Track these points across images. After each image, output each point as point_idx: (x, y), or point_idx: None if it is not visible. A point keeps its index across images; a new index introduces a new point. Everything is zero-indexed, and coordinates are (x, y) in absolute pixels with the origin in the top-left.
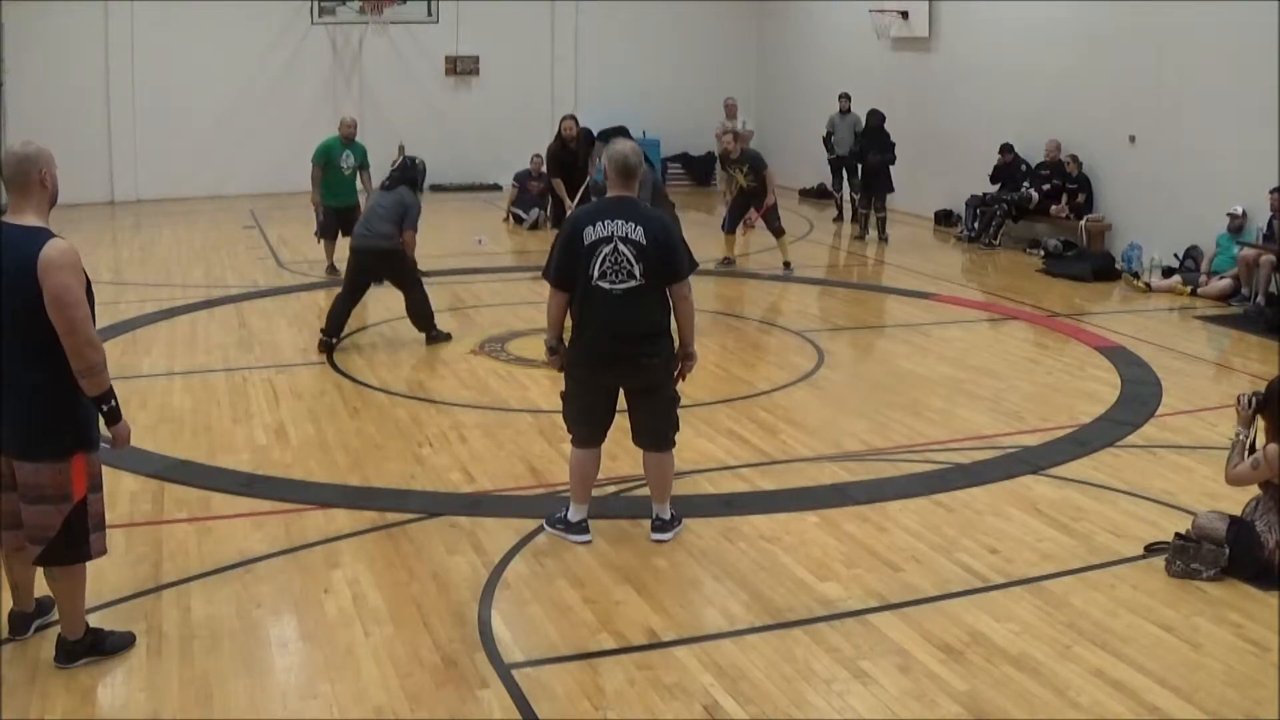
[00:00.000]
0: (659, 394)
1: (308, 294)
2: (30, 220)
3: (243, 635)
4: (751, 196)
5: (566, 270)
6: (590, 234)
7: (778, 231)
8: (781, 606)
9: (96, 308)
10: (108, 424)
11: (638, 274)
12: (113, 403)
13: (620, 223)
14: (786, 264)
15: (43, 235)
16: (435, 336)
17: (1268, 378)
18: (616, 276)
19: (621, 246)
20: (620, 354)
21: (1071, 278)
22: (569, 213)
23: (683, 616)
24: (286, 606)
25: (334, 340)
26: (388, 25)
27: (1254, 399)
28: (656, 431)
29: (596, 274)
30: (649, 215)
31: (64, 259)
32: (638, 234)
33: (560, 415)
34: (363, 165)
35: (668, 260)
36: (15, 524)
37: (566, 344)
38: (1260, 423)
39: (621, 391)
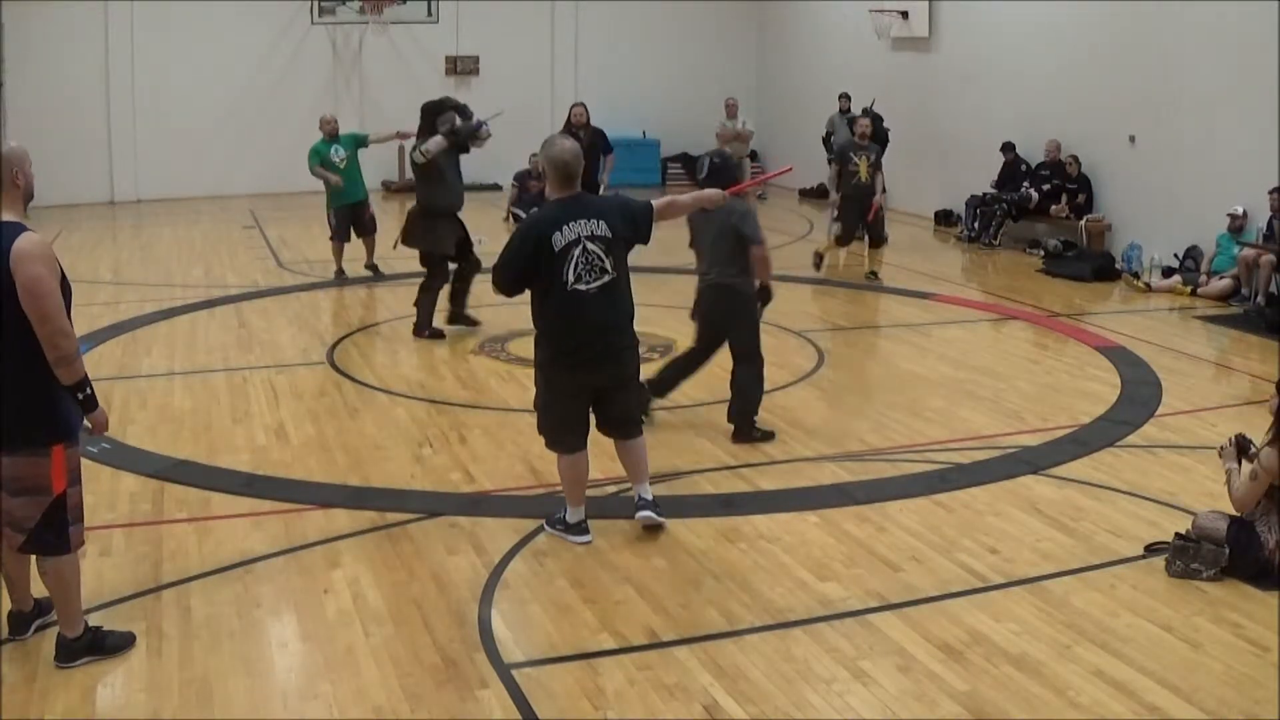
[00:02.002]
0: (634, 382)
1: (307, 294)
2: (3, 216)
3: (243, 635)
4: (866, 194)
5: (526, 279)
6: (559, 239)
7: (881, 240)
8: (781, 606)
9: (98, 307)
10: (84, 412)
11: (609, 267)
12: (88, 390)
13: (583, 222)
14: (873, 273)
15: (15, 229)
16: (750, 434)
17: (1268, 377)
18: (591, 276)
19: (590, 245)
20: (608, 350)
21: (1071, 278)
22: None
23: (683, 616)
24: (286, 606)
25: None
26: (388, 25)
27: (1236, 440)
28: (631, 418)
29: (572, 278)
30: (603, 205)
31: (36, 250)
32: (602, 229)
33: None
34: (361, 145)
35: (636, 230)
36: None
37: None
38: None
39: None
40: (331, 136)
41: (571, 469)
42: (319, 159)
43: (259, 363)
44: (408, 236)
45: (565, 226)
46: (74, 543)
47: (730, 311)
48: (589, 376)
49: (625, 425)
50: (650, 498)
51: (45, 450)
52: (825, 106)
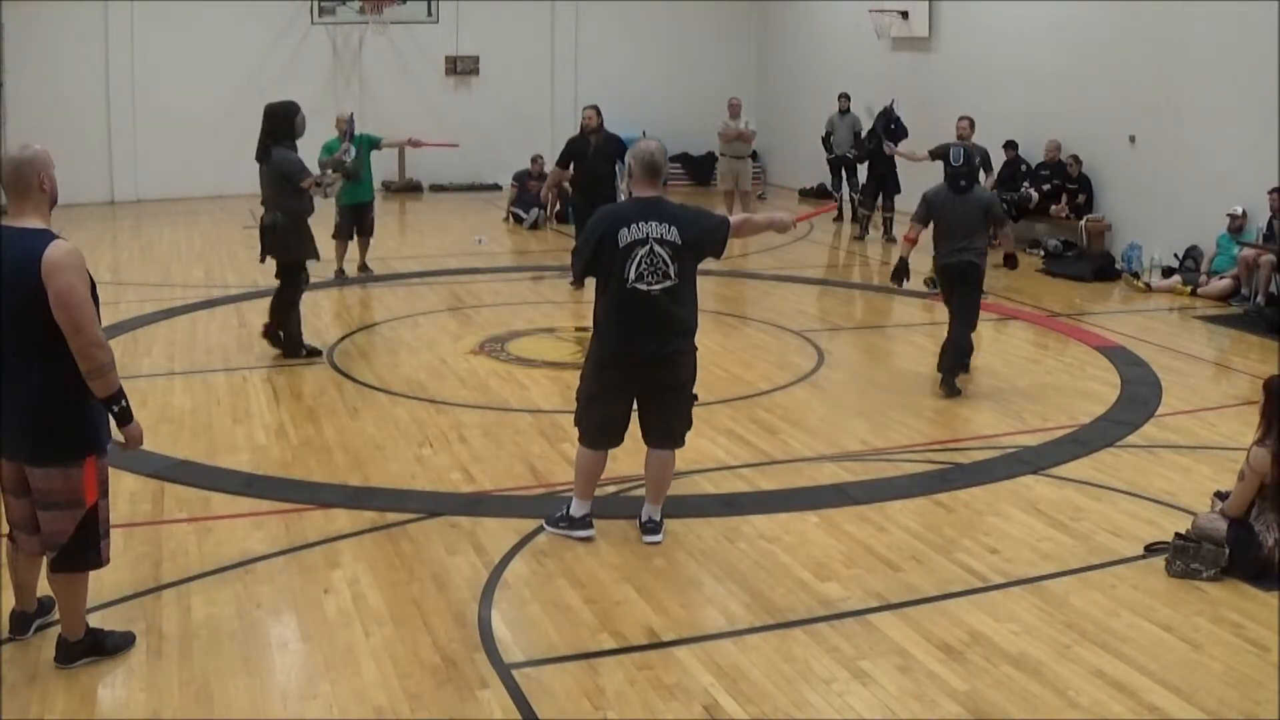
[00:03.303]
0: (684, 390)
1: (307, 294)
2: (30, 222)
3: (243, 635)
4: None
5: (589, 268)
6: (625, 236)
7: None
8: (781, 606)
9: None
10: (119, 425)
11: (673, 273)
12: (123, 403)
13: (654, 224)
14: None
15: (44, 237)
16: (951, 387)
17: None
18: (654, 278)
19: (657, 248)
20: (662, 352)
21: (1071, 278)
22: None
23: (683, 616)
24: (286, 606)
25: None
26: (388, 25)
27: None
28: (675, 429)
29: (633, 276)
30: (679, 213)
31: (68, 259)
32: (672, 234)
33: (566, 415)
34: (374, 147)
35: (710, 243)
36: (29, 528)
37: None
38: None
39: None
40: (343, 136)
41: (589, 463)
42: (327, 153)
43: (259, 363)
44: (282, 249)
45: (635, 224)
46: (104, 557)
47: (975, 281)
48: (639, 374)
49: (663, 433)
50: (658, 519)
51: (78, 462)
52: (825, 106)
